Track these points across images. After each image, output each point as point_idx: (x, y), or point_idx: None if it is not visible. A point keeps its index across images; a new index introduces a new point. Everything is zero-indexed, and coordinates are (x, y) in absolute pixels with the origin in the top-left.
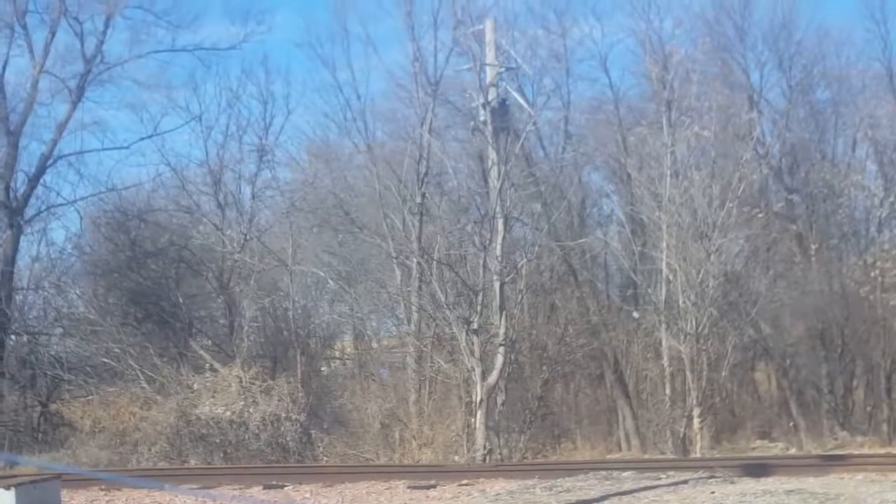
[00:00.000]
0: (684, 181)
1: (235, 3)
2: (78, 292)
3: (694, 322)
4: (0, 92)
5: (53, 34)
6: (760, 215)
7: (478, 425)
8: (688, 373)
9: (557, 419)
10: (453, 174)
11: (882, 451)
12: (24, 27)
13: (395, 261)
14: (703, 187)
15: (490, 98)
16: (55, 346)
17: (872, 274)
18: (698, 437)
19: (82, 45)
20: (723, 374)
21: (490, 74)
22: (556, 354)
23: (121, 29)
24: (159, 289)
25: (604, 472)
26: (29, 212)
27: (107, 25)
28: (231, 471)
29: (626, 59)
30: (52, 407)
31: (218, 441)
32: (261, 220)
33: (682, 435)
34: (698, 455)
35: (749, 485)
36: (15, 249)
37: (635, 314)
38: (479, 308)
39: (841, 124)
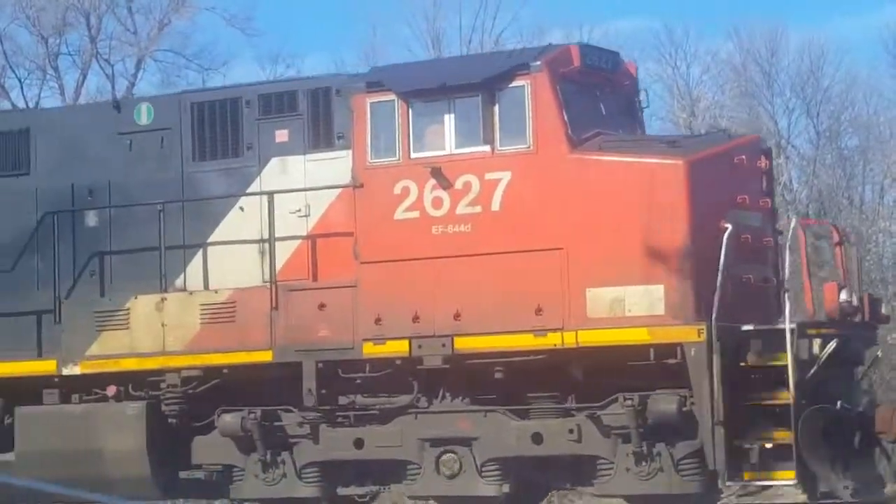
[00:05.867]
0: None
1: (265, 46)
2: None
3: None
4: None
5: (85, 76)
6: None
7: None
8: None
9: None
10: None
11: None
12: (56, 69)
13: None
14: None
15: None
16: None
17: None
18: None
19: (113, 86)
20: None
21: None
22: None
23: (152, 71)
24: None
25: None
26: None
27: (138, 68)
28: None
29: (654, 105)
30: None
31: None
32: None
33: None
34: None
35: None
36: None
37: None
38: None
39: (868, 171)
